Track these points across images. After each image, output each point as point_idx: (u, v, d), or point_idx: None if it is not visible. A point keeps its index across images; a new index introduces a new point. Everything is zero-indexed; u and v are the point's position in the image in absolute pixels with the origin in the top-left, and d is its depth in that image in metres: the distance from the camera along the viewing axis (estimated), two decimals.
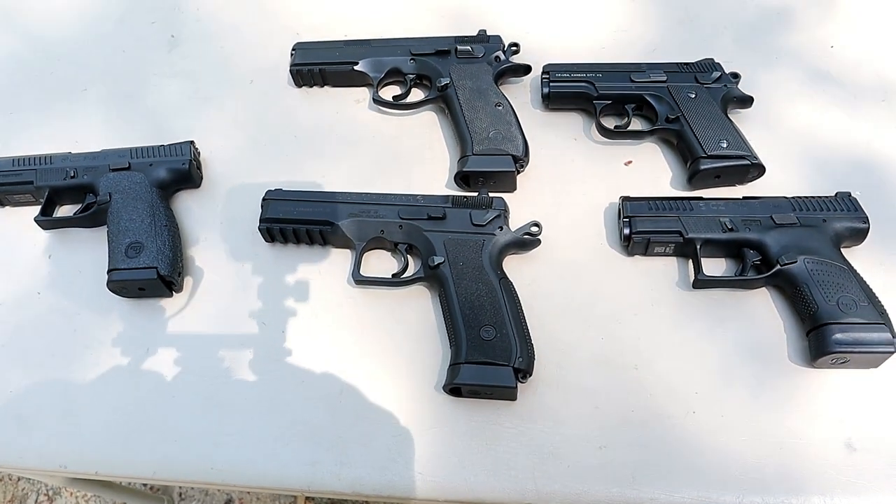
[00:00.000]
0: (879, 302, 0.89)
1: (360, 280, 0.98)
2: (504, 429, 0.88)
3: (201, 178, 1.12)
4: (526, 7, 1.30)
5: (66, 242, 1.08)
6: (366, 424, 0.90)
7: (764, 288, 0.96)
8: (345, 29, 1.26)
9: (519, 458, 0.86)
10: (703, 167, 1.02)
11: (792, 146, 1.10)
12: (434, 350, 0.95)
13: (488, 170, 1.04)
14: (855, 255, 0.95)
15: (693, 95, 1.08)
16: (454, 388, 0.89)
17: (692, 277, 0.96)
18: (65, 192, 1.07)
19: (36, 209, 1.06)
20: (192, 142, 1.11)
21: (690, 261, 0.98)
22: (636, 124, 1.13)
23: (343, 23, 1.29)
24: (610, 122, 1.12)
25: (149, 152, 1.08)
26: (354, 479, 0.87)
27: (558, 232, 1.02)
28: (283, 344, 0.97)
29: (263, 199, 1.03)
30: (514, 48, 1.17)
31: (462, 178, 1.07)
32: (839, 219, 0.95)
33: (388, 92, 1.20)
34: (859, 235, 0.96)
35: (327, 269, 1.03)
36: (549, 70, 1.13)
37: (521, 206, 1.04)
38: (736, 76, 1.11)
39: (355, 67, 1.18)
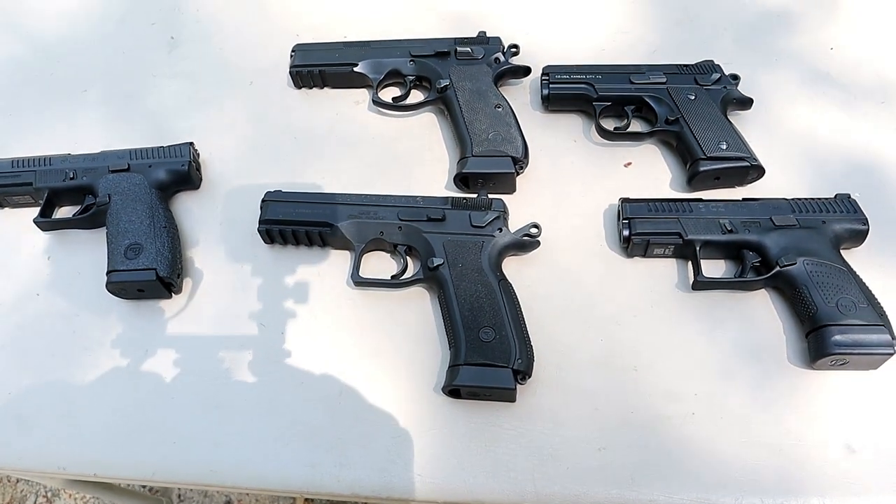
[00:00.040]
0: (879, 303, 0.89)
1: (359, 281, 0.98)
2: (503, 430, 0.88)
3: (201, 179, 1.12)
4: (526, 9, 1.30)
5: (66, 244, 1.08)
6: (365, 426, 0.90)
7: (763, 289, 0.96)
8: (344, 30, 1.26)
9: (518, 459, 0.86)
10: (702, 169, 1.02)
11: (791, 148, 1.10)
12: (433, 351, 0.95)
13: (488, 171, 1.04)
14: (854, 257, 0.95)
15: (693, 97, 1.08)
16: (453, 390, 0.89)
17: (692, 279, 0.96)
18: (64, 193, 1.07)
19: (35, 210, 1.06)
20: (191, 143, 1.11)
21: (690, 262, 0.98)
22: (636, 126, 1.12)
23: (343, 24, 1.29)
24: (609, 124, 1.12)
25: (148, 154, 1.08)
26: (353, 481, 0.87)
27: (558, 233, 1.02)
28: (283, 345, 0.97)
29: (263, 201, 1.03)
30: (513, 50, 1.17)
31: (461, 180, 1.07)
32: (839, 220, 0.95)
33: (388, 93, 1.20)
34: (859, 237, 0.96)
35: (327, 270, 1.03)
36: (548, 71, 1.13)
37: (521, 208, 1.04)
38: (735, 78, 1.11)
39: (355, 69, 1.18)
